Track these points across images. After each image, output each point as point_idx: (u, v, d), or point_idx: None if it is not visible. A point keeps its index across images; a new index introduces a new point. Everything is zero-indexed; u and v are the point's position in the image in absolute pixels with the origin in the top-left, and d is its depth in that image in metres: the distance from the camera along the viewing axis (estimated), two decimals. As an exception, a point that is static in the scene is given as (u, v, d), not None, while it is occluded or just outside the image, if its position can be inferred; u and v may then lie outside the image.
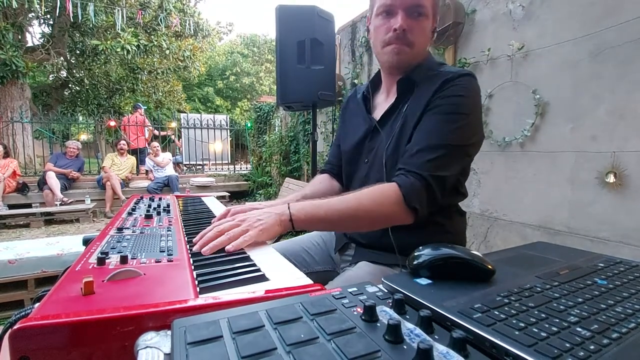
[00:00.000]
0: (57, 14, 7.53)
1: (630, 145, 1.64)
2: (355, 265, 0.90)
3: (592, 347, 0.33)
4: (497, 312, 0.39)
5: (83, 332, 0.36)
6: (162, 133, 8.04)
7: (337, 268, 1.01)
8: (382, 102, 0.97)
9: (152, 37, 8.88)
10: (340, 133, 1.12)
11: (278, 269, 0.56)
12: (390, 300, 0.41)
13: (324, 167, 1.16)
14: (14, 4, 6.60)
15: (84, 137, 11.23)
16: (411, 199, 0.75)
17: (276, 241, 1.01)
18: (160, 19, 8.78)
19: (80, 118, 11.07)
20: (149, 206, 1.05)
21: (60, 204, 4.96)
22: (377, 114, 0.95)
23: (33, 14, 8.13)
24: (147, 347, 0.34)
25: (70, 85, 10.94)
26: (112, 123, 7.47)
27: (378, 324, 0.35)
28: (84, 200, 5.14)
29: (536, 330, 0.35)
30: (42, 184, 5.16)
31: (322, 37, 2.32)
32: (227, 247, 0.64)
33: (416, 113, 0.83)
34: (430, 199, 0.77)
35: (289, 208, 0.75)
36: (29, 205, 5.02)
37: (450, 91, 0.80)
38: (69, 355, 0.36)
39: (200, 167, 8.18)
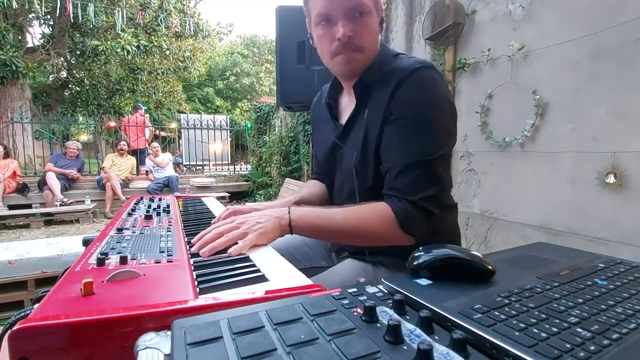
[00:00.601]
0: (57, 15, 7.53)
1: (630, 146, 1.64)
2: (342, 263, 0.90)
3: (592, 347, 0.32)
4: (497, 313, 0.38)
5: (83, 332, 0.36)
6: (163, 134, 8.05)
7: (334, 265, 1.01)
8: (347, 106, 0.93)
9: (152, 37, 8.89)
10: (314, 142, 1.10)
11: (278, 270, 0.56)
12: (390, 301, 0.41)
13: (313, 176, 1.16)
14: (14, 5, 6.61)
15: (84, 137, 11.23)
16: (409, 228, 0.73)
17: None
18: (161, 20, 8.79)
19: (81, 118, 11.08)
20: (149, 207, 1.05)
21: (60, 205, 4.97)
22: (343, 119, 0.92)
23: (33, 15, 8.13)
24: (147, 347, 0.34)
25: (70, 85, 10.95)
26: (112, 124, 7.47)
27: (378, 325, 0.35)
28: (84, 201, 5.15)
29: (536, 330, 0.35)
30: (42, 184, 5.17)
31: (322, 38, 2.32)
32: (229, 251, 0.64)
33: (376, 121, 0.79)
34: (429, 219, 0.75)
35: (289, 212, 0.75)
36: (29, 206, 5.02)
37: (407, 95, 0.75)
38: (69, 355, 0.36)
39: (200, 167, 8.18)
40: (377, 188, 0.81)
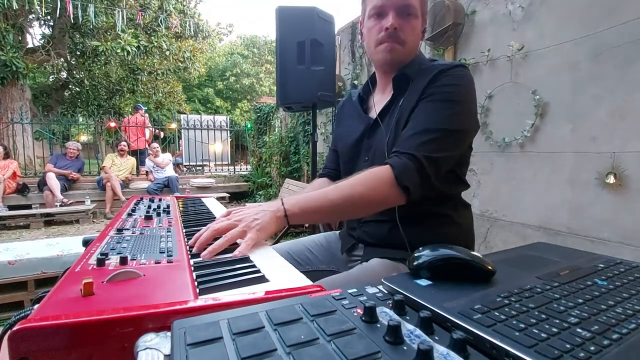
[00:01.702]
0: (57, 15, 7.53)
1: (630, 146, 1.64)
2: (368, 261, 0.90)
3: (592, 347, 0.32)
4: (497, 313, 0.38)
5: (83, 333, 0.36)
6: (161, 133, 8.05)
7: (343, 268, 1.01)
8: (379, 101, 0.99)
9: (152, 38, 8.89)
10: (335, 137, 1.14)
11: (278, 270, 0.56)
12: (390, 301, 0.41)
13: (322, 172, 1.17)
14: (15, 5, 6.61)
15: (84, 138, 11.23)
16: (403, 178, 0.76)
17: (275, 242, 1.01)
18: (161, 20, 8.79)
19: (81, 119, 11.09)
20: (149, 207, 1.05)
21: (60, 205, 4.96)
22: (373, 112, 0.97)
23: (33, 15, 8.13)
24: (146, 348, 0.34)
25: (70, 86, 10.95)
26: (112, 124, 7.47)
27: (378, 325, 0.35)
28: (84, 201, 5.14)
29: (536, 331, 0.35)
30: (42, 184, 5.16)
31: (322, 38, 2.32)
32: (234, 253, 0.64)
33: (411, 105, 0.85)
34: (423, 179, 0.78)
35: (282, 204, 0.76)
36: (28, 207, 5.01)
37: (444, 80, 0.83)
38: (69, 356, 0.36)
39: (200, 168, 8.18)
40: None
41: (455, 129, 0.81)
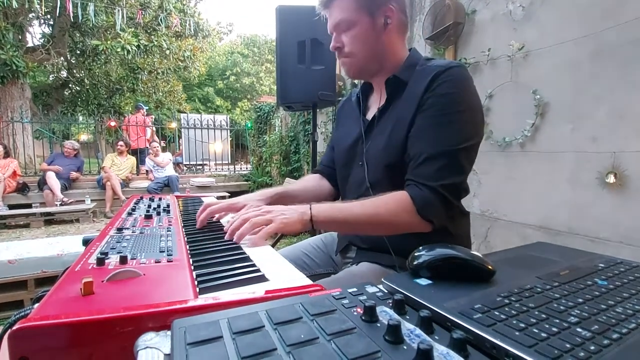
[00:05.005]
0: (57, 14, 7.53)
1: (630, 146, 1.64)
2: (358, 265, 0.90)
3: (592, 347, 0.32)
4: (497, 313, 0.38)
5: (82, 332, 0.36)
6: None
7: (339, 269, 1.01)
8: (375, 103, 0.98)
9: (153, 37, 8.89)
10: (334, 136, 1.14)
11: (278, 270, 0.56)
12: (390, 301, 0.41)
13: (317, 168, 1.18)
14: (14, 4, 6.60)
15: (84, 137, 11.23)
16: (427, 213, 0.76)
17: (274, 244, 1.03)
18: (161, 19, 8.79)
19: (81, 118, 11.09)
20: (149, 206, 1.05)
21: (61, 204, 4.97)
22: (370, 115, 0.96)
23: (33, 14, 8.13)
24: (146, 347, 0.34)
25: (70, 85, 10.95)
26: (113, 123, 7.47)
27: (378, 325, 0.35)
28: (84, 201, 5.14)
29: (536, 330, 0.35)
30: (42, 184, 5.17)
31: (323, 37, 2.31)
32: (250, 236, 0.70)
33: (409, 112, 0.83)
34: (447, 208, 0.78)
35: (310, 209, 0.78)
36: (29, 206, 5.02)
37: (441, 88, 0.80)
38: (69, 355, 0.36)
39: (201, 167, 8.18)
40: (395, 179, 0.84)
41: (464, 145, 0.78)
